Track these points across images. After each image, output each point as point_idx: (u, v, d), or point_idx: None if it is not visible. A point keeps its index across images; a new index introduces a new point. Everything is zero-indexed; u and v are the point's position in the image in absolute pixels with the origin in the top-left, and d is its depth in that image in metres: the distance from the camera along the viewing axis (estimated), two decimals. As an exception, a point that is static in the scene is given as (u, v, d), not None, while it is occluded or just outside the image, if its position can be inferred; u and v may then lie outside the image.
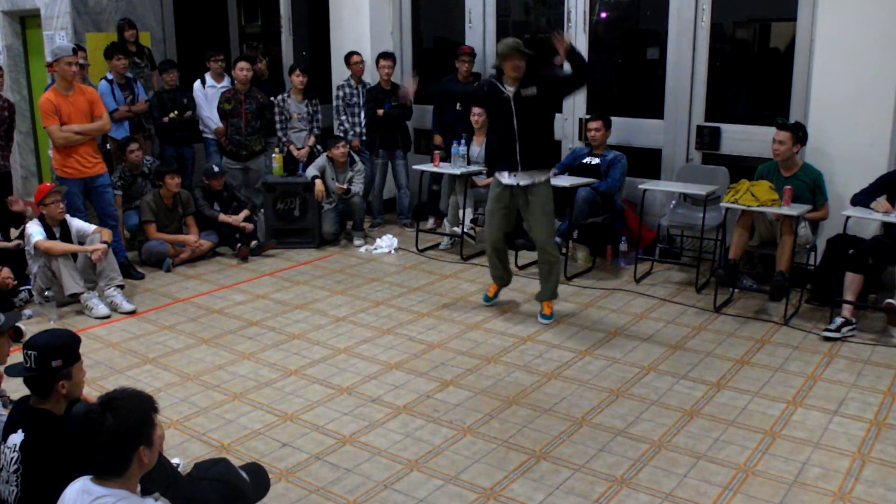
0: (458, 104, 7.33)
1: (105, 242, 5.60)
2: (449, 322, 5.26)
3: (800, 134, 5.35)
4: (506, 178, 5.08)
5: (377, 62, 7.51)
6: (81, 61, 6.62)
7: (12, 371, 2.78)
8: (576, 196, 6.00)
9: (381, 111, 7.45)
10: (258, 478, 2.83)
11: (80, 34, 8.13)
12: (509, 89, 4.94)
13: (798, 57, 5.84)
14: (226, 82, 7.81)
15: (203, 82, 7.76)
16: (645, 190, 6.07)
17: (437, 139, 7.61)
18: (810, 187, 5.32)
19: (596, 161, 6.33)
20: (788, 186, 5.15)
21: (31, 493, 2.60)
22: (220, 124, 7.52)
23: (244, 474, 2.68)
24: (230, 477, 2.57)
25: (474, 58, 7.41)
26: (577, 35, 6.96)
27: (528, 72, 4.90)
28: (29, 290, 5.65)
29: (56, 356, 2.68)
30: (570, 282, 6.08)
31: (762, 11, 6.60)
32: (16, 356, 3.71)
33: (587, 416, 3.97)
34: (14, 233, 6.22)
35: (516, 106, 4.93)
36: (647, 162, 6.69)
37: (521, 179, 5.03)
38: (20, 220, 6.05)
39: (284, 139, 7.54)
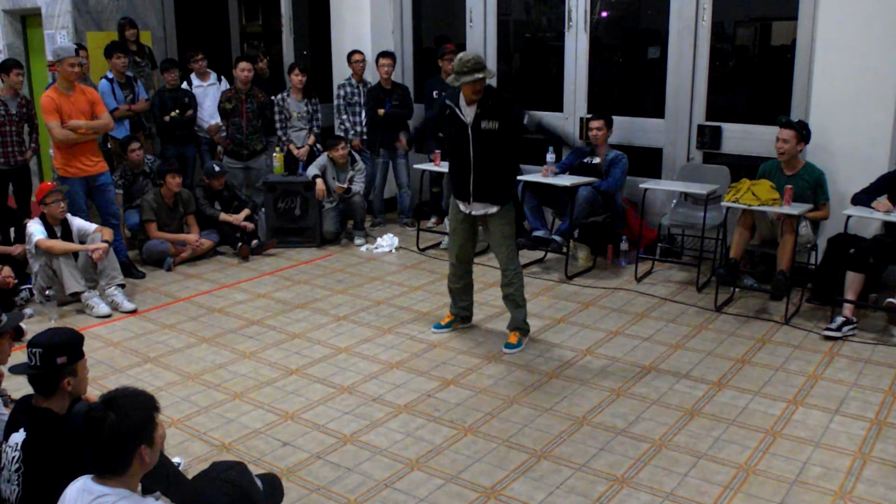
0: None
1: (106, 241, 5.60)
2: (450, 321, 5.26)
3: (804, 132, 5.35)
4: (461, 205, 4.75)
5: (377, 61, 7.52)
6: (83, 61, 6.63)
7: (17, 370, 2.78)
8: (577, 195, 6.00)
9: (381, 111, 7.45)
10: (273, 489, 2.81)
11: (81, 33, 8.14)
12: (468, 115, 4.53)
13: (799, 56, 5.84)
14: (212, 79, 7.85)
15: (189, 83, 7.77)
16: (646, 189, 6.07)
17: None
18: (812, 186, 5.32)
19: (597, 160, 6.33)
20: (789, 186, 5.15)
21: (33, 492, 2.60)
22: (212, 123, 7.55)
23: (259, 482, 2.68)
24: (243, 481, 2.56)
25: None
26: (578, 34, 6.96)
27: (493, 102, 4.49)
28: (30, 289, 5.66)
29: (61, 353, 2.69)
30: (571, 281, 6.08)
31: (763, 10, 6.60)
32: (16, 355, 3.72)
33: (588, 415, 3.97)
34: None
35: (474, 135, 4.53)
36: (648, 161, 6.68)
37: (475, 210, 4.69)
38: (20, 220, 6.05)
39: (284, 138, 7.55)
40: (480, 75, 4.36)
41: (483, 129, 4.51)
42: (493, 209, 4.66)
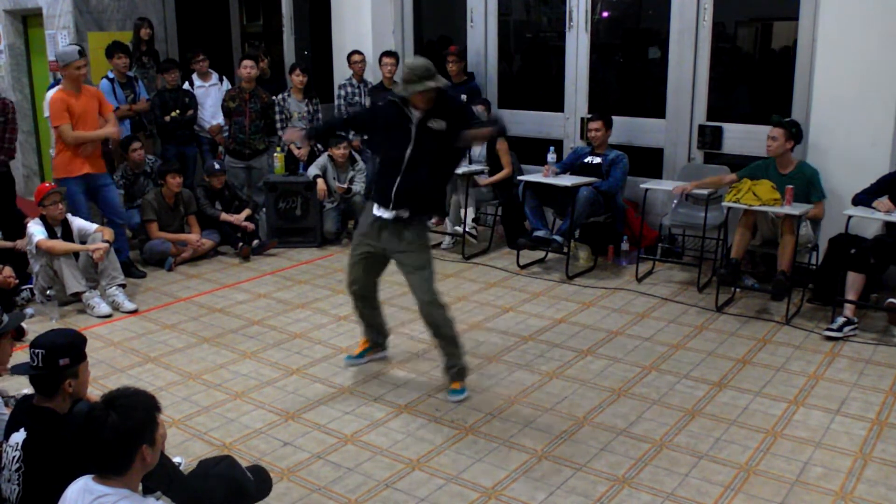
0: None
1: (106, 241, 5.61)
2: (450, 321, 5.25)
3: (793, 131, 5.35)
4: (375, 209, 4.18)
5: (380, 60, 7.52)
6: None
7: (19, 370, 2.78)
8: (577, 195, 6.00)
9: None
10: (261, 478, 2.83)
11: (82, 33, 8.14)
12: (415, 114, 4.04)
13: (800, 56, 5.84)
14: (214, 79, 7.85)
15: (191, 84, 7.78)
16: (647, 189, 6.07)
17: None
18: (805, 185, 5.32)
19: (597, 160, 6.32)
20: (790, 186, 5.16)
21: (33, 491, 2.60)
22: (213, 123, 7.56)
23: (248, 473, 2.69)
24: (234, 474, 2.57)
25: (462, 57, 7.41)
26: (579, 34, 6.96)
27: (439, 101, 4.03)
28: (31, 290, 5.66)
29: (63, 354, 2.69)
30: (572, 281, 6.08)
31: (764, 11, 6.60)
32: (18, 355, 3.72)
33: (589, 415, 3.97)
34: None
35: (417, 134, 4.02)
36: (649, 161, 6.68)
37: (389, 214, 4.11)
38: (21, 220, 6.05)
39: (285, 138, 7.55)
40: (432, 84, 3.90)
41: (429, 128, 4.03)
42: (406, 214, 4.09)
